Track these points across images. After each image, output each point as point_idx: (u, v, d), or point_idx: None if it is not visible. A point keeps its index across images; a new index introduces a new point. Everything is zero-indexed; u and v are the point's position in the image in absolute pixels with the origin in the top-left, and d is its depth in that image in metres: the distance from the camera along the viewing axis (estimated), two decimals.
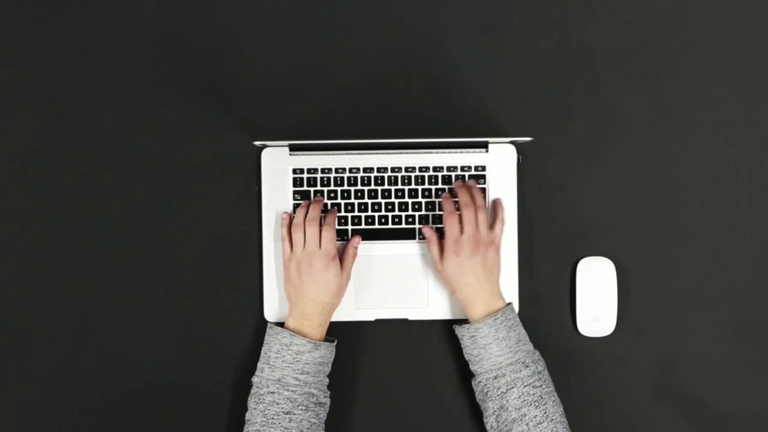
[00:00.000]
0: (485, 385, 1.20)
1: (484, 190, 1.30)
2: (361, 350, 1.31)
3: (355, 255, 1.27)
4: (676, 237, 1.32)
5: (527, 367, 1.19)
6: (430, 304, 1.31)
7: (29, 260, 1.31)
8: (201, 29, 1.33)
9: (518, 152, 1.31)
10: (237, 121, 1.32)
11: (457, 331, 1.25)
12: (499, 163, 1.31)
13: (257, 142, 1.24)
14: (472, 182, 1.29)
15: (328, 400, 1.22)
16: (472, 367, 1.23)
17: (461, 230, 1.23)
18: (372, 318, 1.30)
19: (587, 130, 1.33)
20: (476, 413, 1.29)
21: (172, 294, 1.31)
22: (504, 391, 1.18)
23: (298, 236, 1.24)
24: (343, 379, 1.28)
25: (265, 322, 1.30)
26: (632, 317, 1.32)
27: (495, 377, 1.19)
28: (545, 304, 1.32)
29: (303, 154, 1.30)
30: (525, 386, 1.18)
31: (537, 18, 1.33)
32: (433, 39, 1.33)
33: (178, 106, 1.32)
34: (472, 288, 1.22)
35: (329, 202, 1.30)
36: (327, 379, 1.23)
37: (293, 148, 1.29)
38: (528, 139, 1.24)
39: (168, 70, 1.32)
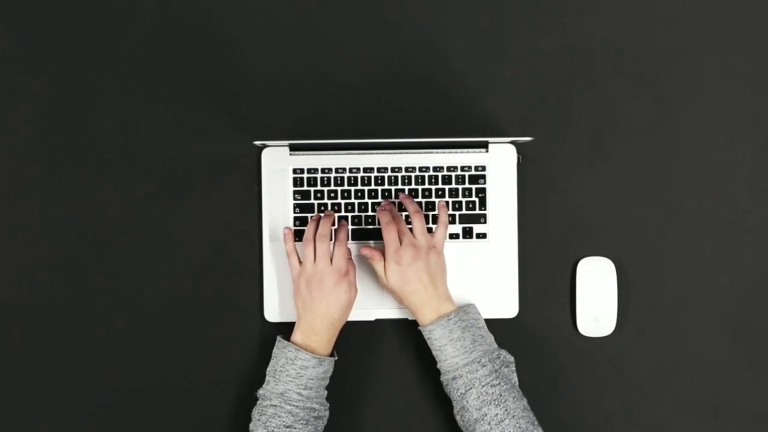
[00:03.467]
0: (446, 386, 1.21)
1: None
2: (361, 350, 1.31)
3: (355, 266, 1.26)
4: (676, 237, 1.32)
5: (484, 366, 1.18)
6: None
7: (29, 260, 1.31)
8: (201, 29, 1.33)
9: (518, 152, 1.31)
10: (237, 121, 1.32)
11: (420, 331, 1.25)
12: (499, 163, 1.31)
13: (257, 142, 1.24)
14: (403, 195, 1.28)
15: (327, 413, 1.22)
16: (437, 366, 1.23)
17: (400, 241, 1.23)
18: (372, 318, 1.30)
19: (587, 130, 1.33)
20: None
21: (171, 294, 1.31)
22: (463, 392, 1.18)
23: (308, 251, 1.22)
24: (343, 379, 1.28)
25: (266, 322, 1.30)
26: (632, 317, 1.32)
27: (453, 378, 1.19)
28: (545, 304, 1.32)
29: (303, 154, 1.30)
30: (483, 386, 1.18)
31: (537, 18, 1.33)
32: (433, 39, 1.33)
33: (178, 106, 1.32)
34: (419, 295, 1.22)
35: (328, 202, 1.30)
36: (326, 392, 1.23)
37: (293, 148, 1.29)
38: (528, 139, 1.24)
39: (168, 70, 1.32)
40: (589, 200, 1.32)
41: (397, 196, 1.30)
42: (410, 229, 1.24)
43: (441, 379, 1.22)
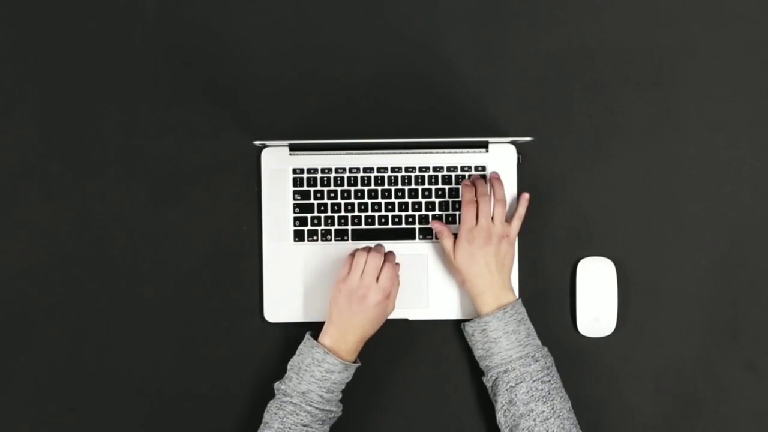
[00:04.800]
0: (496, 379, 1.21)
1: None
2: (361, 350, 1.31)
3: (399, 284, 1.25)
4: (676, 237, 1.32)
5: (537, 361, 1.19)
6: (430, 304, 1.31)
7: (29, 260, 1.31)
8: (201, 29, 1.33)
9: (518, 152, 1.31)
10: (237, 121, 1.32)
11: (467, 328, 1.24)
12: (499, 163, 1.31)
13: (257, 142, 1.25)
14: (496, 174, 1.28)
15: (340, 412, 1.23)
16: (483, 363, 1.23)
17: (476, 221, 1.23)
18: None
19: (587, 130, 1.33)
20: (477, 413, 1.29)
21: (171, 294, 1.31)
22: (513, 385, 1.18)
23: (360, 260, 1.21)
24: None
25: (266, 322, 1.30)
26: (632, 317, 1.32)
27: (505, 371, 1.19)
28: (545, 304, 1.32)
29: (303, 154, 1.30)
30: (534, 381, 1.18)
31: (537, 18, 1.33)
32: (433, 39, 1.33)
33: (178, 106, 1.32)
34: (483, 279, 1.22)
35: (328, 202, 1.30)
36: (341, 394, 1.23)
37: (293, 148, 1.29)
38: (528, 139, 1.24)
39: (168, 70, 1.32)
40: (589, 200, 1.32)
41: (398, 196, 1.30)
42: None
43: (489, 374, 1.22)
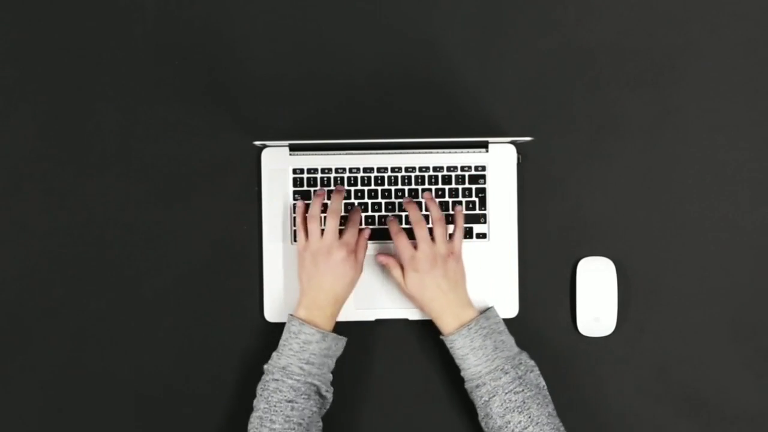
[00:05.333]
0: (470, 393, 1.21)
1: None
2: (361, 350, 1.31)
3: (366, 247, 1.27)
4: (676, 237, 1.32)
5: (506, 373, 1.18)
6: None
7: (29, 260, 1.31)
8: (201, 29, 1.33)
9: (518, 152, 1.31)
10: (237, 121, 1.32)
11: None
12: (499, 163, 1.31)
13: (257, 142, 1.25)
14: (428, 194, 1.29)
15: (329, 396, 1.22)
16: (461, 374, 1.23)
17: (415, 246, 1.23)
18: (372, 318, 1.30)
19: (587, 130, 1.33)
20: (476, 413, 1.29)
21: (171, 294, 1.31)
22: (487, 399, 1.18)
23: (314, 227, 1.23)
24: (343, 379, 1.28)
25: (266, 322, 1.30)
26: (632, 317, 1.32)
27: (476, 386, 1.20)
28: (545, 304, 1.32)
29: (303, 154, 1.30)
30: (506, 393, 1.18)
31: (537, 18, 1.33)
32: (433, 39, 1.33)
33: (178, 106, 1.32)
34: (439, 302, 1.22)
35: (328, 202, 1.30)
36: (331, 375, 1.22)
37: (293, 148, 1.29)
38: (528, 139, 1.24)
39: (168, 71, 1.32)
40: (589, 200, 1.32)
41: (398, 196, 1.30)
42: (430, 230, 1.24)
43: (465, 386, 1.22)
